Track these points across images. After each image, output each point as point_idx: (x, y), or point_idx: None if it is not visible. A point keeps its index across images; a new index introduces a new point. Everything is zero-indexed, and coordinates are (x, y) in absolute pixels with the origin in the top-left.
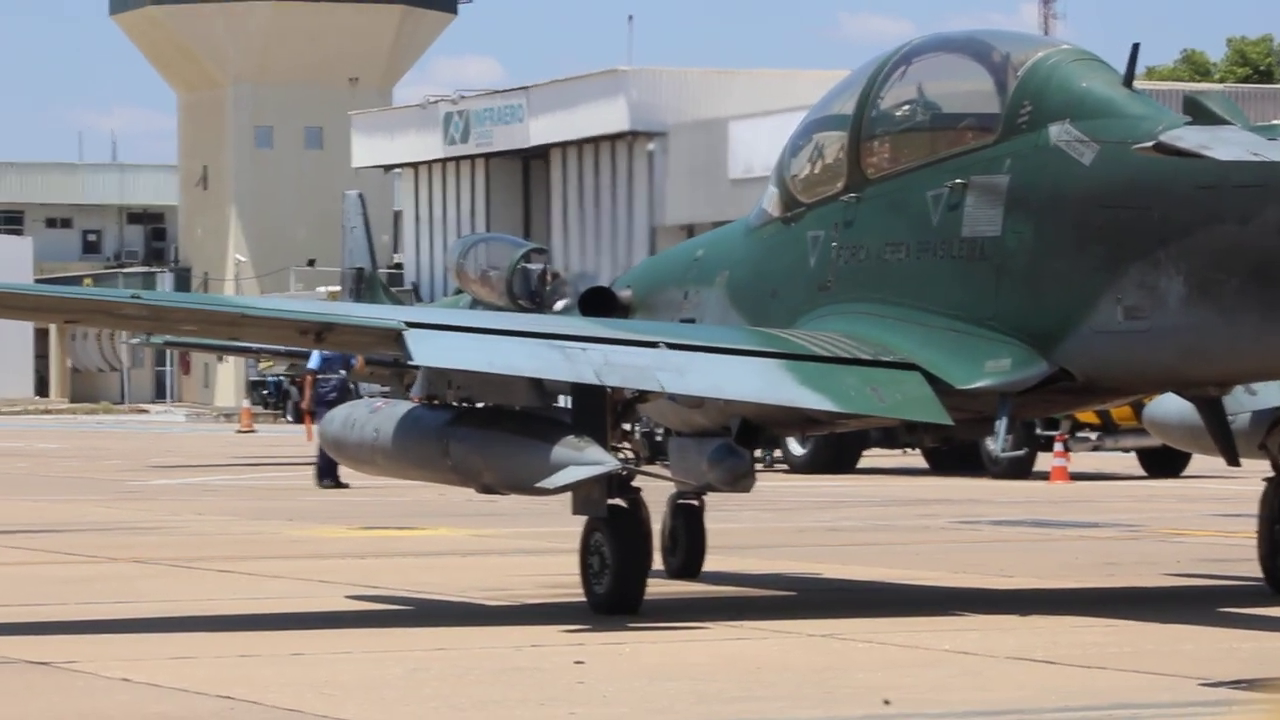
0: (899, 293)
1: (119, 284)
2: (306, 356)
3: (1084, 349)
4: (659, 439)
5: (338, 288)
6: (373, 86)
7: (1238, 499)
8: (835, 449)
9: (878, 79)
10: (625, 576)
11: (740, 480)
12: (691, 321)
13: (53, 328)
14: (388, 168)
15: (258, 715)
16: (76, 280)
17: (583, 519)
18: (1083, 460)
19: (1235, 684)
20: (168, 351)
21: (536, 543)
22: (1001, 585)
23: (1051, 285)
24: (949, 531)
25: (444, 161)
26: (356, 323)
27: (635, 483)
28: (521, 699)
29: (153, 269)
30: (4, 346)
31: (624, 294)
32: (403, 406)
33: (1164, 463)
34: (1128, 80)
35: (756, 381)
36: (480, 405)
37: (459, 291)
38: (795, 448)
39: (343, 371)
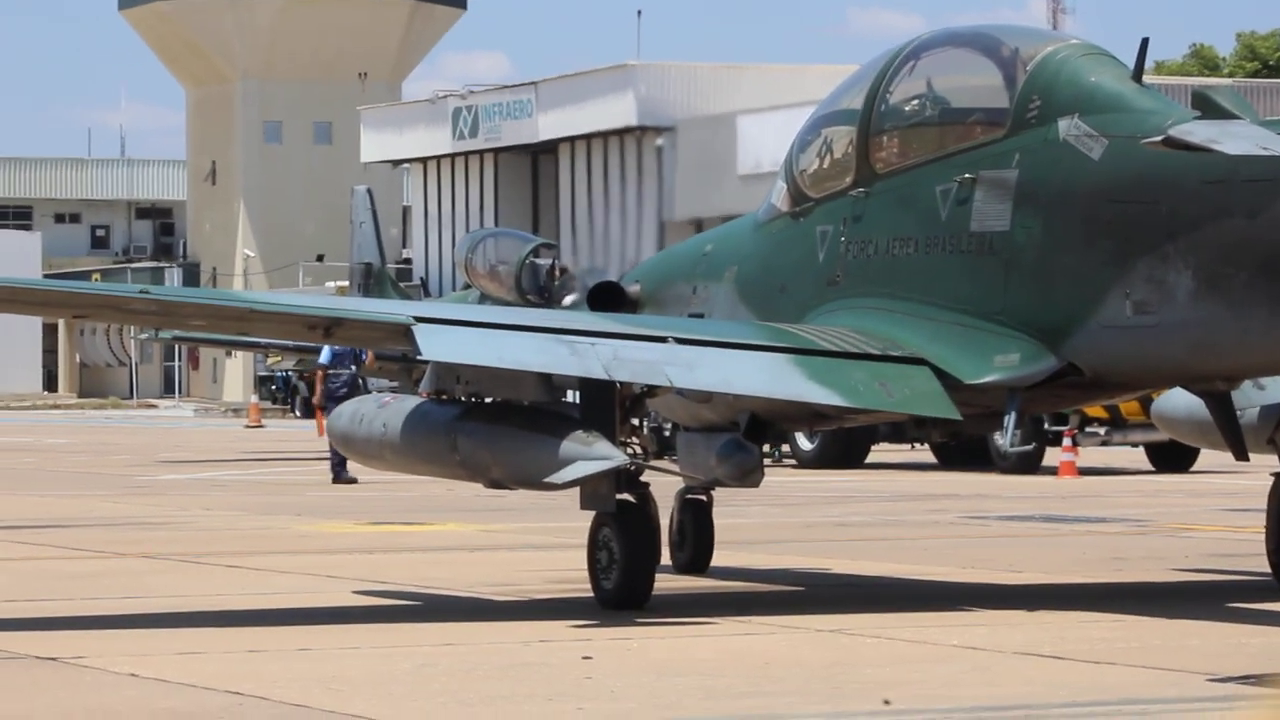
0: (908, 287)
1: (127, 279)
2: (315, 352)
3: (1092, 344)
4: (667, 434)
5: (346, 283)
6: (381, 81)
7: (1246, 494)
8: (843, 444)
9: (886, 74)
10: (633, 572)
11: (749, 475)
12: (700, 316)
13: (61, 323)
14: (396, 163)
15: (265, 710)
16: (85, 275)
17: (591, 514)
18: (1091, 455)
19: (1243, 679)
20: (176, 347)
21: (544, 538)
22: (1010, 580)
23: (1060, 280)
24: (957, 526)
25: (453, 156)
26: (365, 317)
27: (643, 478)
28: (529, 694)
29: (161, 264)
30: (12, 341)
31: (632, 289)
32: (411, 401)
33: (1172, 458)
34: (1136, 75)
35: (765, 376)
36: (489, 400)
37: (467, 286)
38: (803, 443)
39: (353, 367)
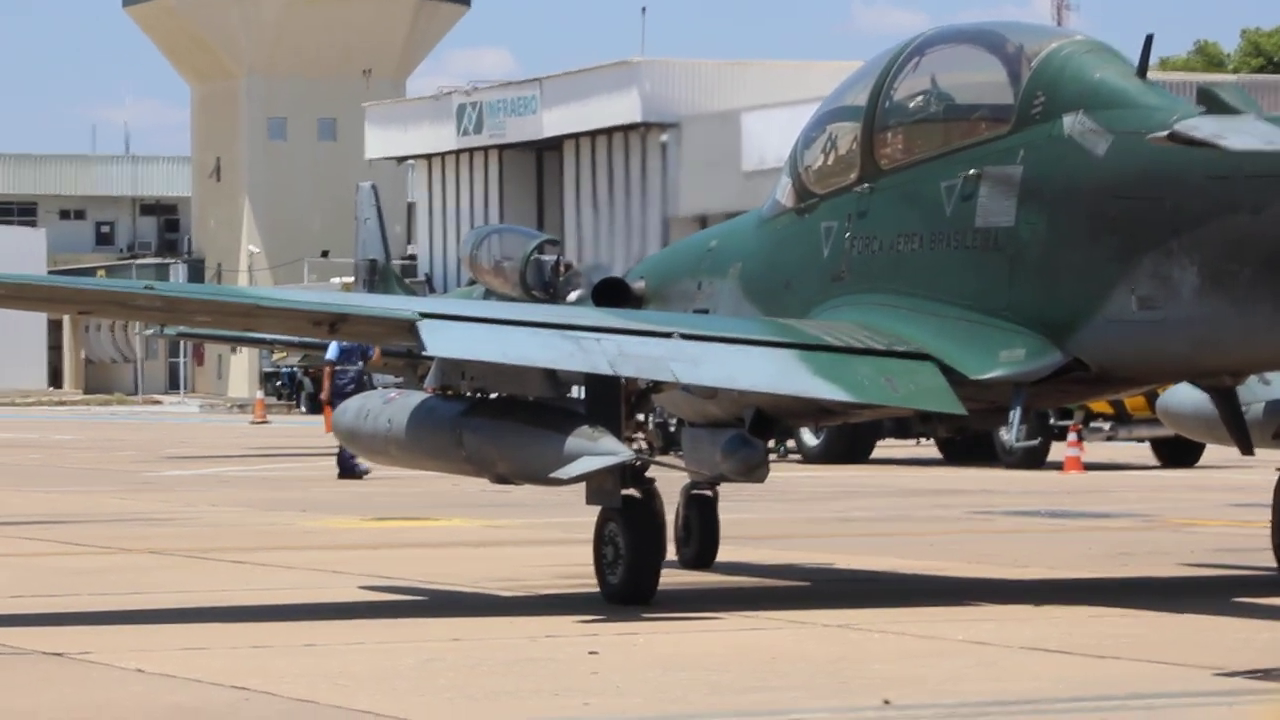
0: (913, 283)
1: (132, 275)
2: (320, 348)
3: (1098, 339)
4: (673, 429)
5: (351, 279)
6: (386, 78)
7: (1252, 489)
8: (849, 439)
9: (891, 70)
10: (639, 567)
11: (754, 471)
12: (705, 312)
13: (66, 319)
14: (401, 159)
15: (272, 706)
16: (90, 271)
17: (596, 509)
18: (1096, 450)
19: (1250, 674)
20: (181, 343)
21: (550, 533)
22: (1015, 575)
23: (1065, 275)
24: (963, 522)
25: (457, 153)
26: (370, 313)
27: (649, 473)
28: (535, 690)
29: (166, 260)
30: (18, 338)
31: (637, 285)
32: (416, 397)
33: (1178, 453)
34: (1141, 71)
35: (770, 372)
36: (494, 396)
37: (472, 282)
38: (809, 438)
39: (360, 363)
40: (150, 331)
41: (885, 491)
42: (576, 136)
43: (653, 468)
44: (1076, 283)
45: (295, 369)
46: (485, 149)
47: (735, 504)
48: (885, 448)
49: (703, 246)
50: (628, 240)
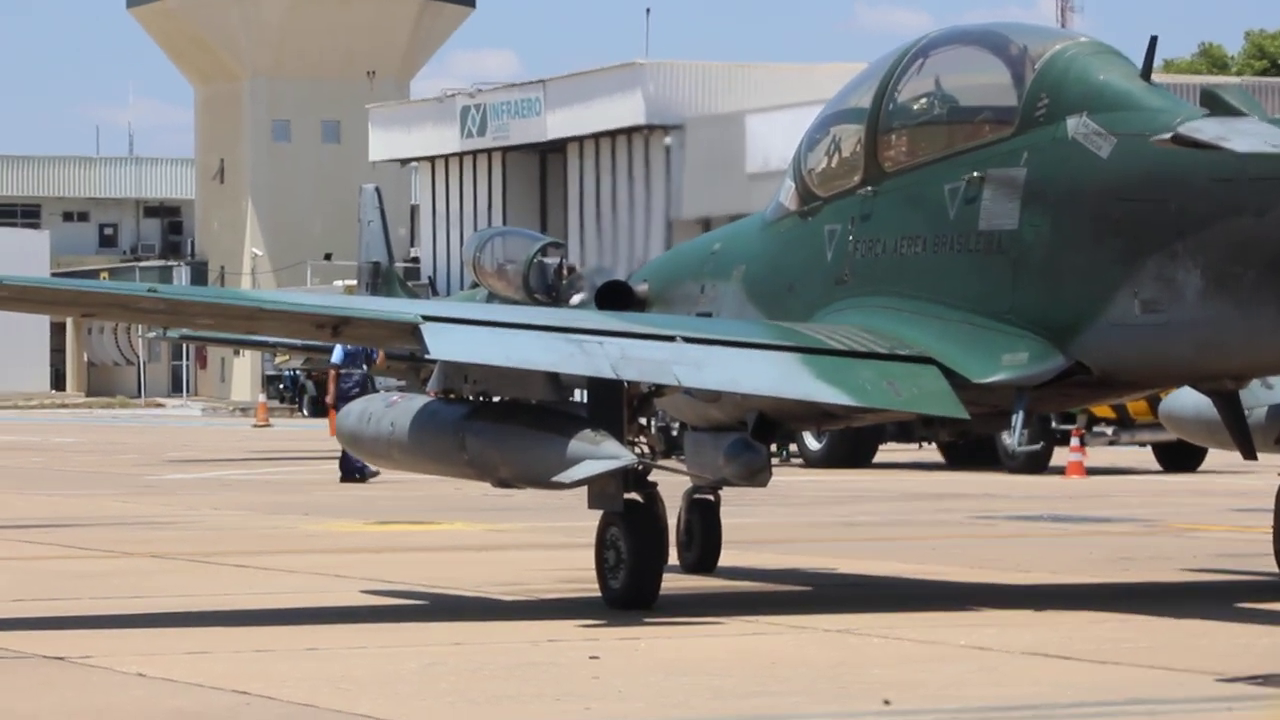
0: (916, 286)
1: (135, 277)
2: (324, 351)
3: (1101, 343)
4: (675, 433)
5: (354, 282)
6: (390, 80)
7: (1254, 494)
8: (851, 443)
9: (895, 72)
10: (641, 571)
11: (756, 475)
12: (708, 315)
13: (69, 321)
14: (404, 161)
15: (273, 710)
16: (93, 274)
17: (598, 513)
18: (1099, 455)
19: (1251, 679)
20: (184, 346)
21: (552, 537)
22: (1017, 580)
23: (1068, 278)
24: (965, 526)
25: (461, 155)
26: (373, 316)
27: (651, 477)
28: (537, 694)
29: (169, 263)
30: (20, 340)
31: (640, 288)
32: (419, 401)
33: (1180, 457)
34: (1145, 73)
35: (773, 375)
36: (496, 399)
37: (475, 285)
38: (811, 442)
39: (365, 367)
40: (153, 334)
41: (887, 496)
42: (580, 139)
43: (655, 472)
44: (1080, 286)
45: (298, 372)
46: (489, 151)
47: (737, 508)
48: (887, 452)
49: (706, 249)
50: (631, 243)
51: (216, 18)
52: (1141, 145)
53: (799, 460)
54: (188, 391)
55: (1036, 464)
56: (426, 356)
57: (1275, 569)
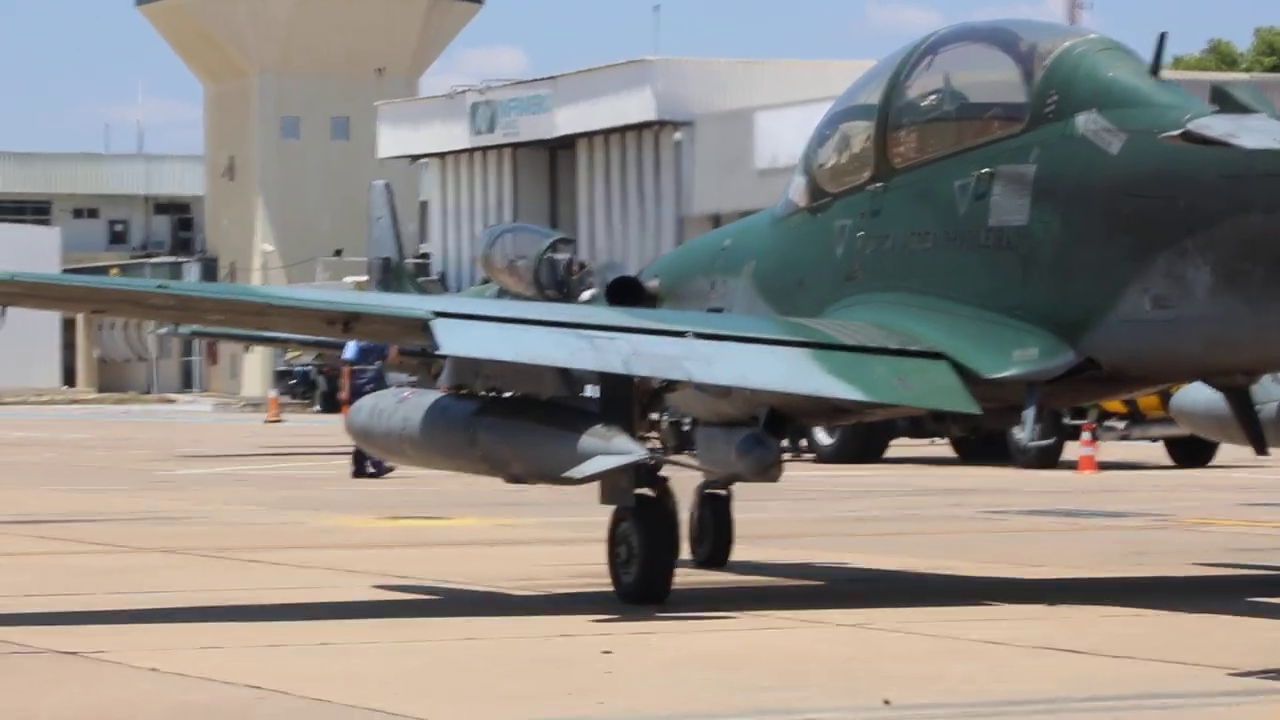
0: (926, 282)
1: (146, 274)
2: (336, 346)
3: (1111, 338)
4: (686, 429)
5: (364, 278)
6: (399, 76)
7: (1265, 488)
8: (863, 438)
9: (904, 69)
10: (653, 566)
11: (768, 470)
12: (719, 311)
13: (80, 318)
14: (414, 158)
15: (285, 705)
16: (103, 270)
17: (610, 509)
18: (1110, 449)
19: (1264, 674)
20: (195, 341)
21: (564, 532)
22: (1029, 575)
23: (1078, 274)
24: (977, 521)
25: (470, 152)
26: (383, 312)
27: (663, 472)
28: (549, 689)
29: (179, 259)
30: (31, 336)
31: (651, 284)
32: (430, 396)
33: (1192, 452)
34: (1155, 70)
35: (783, 371)
36: (508, 395)
37: (486, 281)
38: (823, 437)
39: (378, 362)
40: (164, 330)
41: (899, 491)
42: (590, 135)
43: (666, 467)
44: (1090, 282)
45: (309, 367)
46: (499, 148)
47: (749, 503)
48: (899, 447)
49: (716, 245)
50: (641, 239)
51: (225, 14)
52: (1151, 142)
53: (810, 455)
54: (199, 387)
55: (1048, 459)
56: (437, 352)
57: None
